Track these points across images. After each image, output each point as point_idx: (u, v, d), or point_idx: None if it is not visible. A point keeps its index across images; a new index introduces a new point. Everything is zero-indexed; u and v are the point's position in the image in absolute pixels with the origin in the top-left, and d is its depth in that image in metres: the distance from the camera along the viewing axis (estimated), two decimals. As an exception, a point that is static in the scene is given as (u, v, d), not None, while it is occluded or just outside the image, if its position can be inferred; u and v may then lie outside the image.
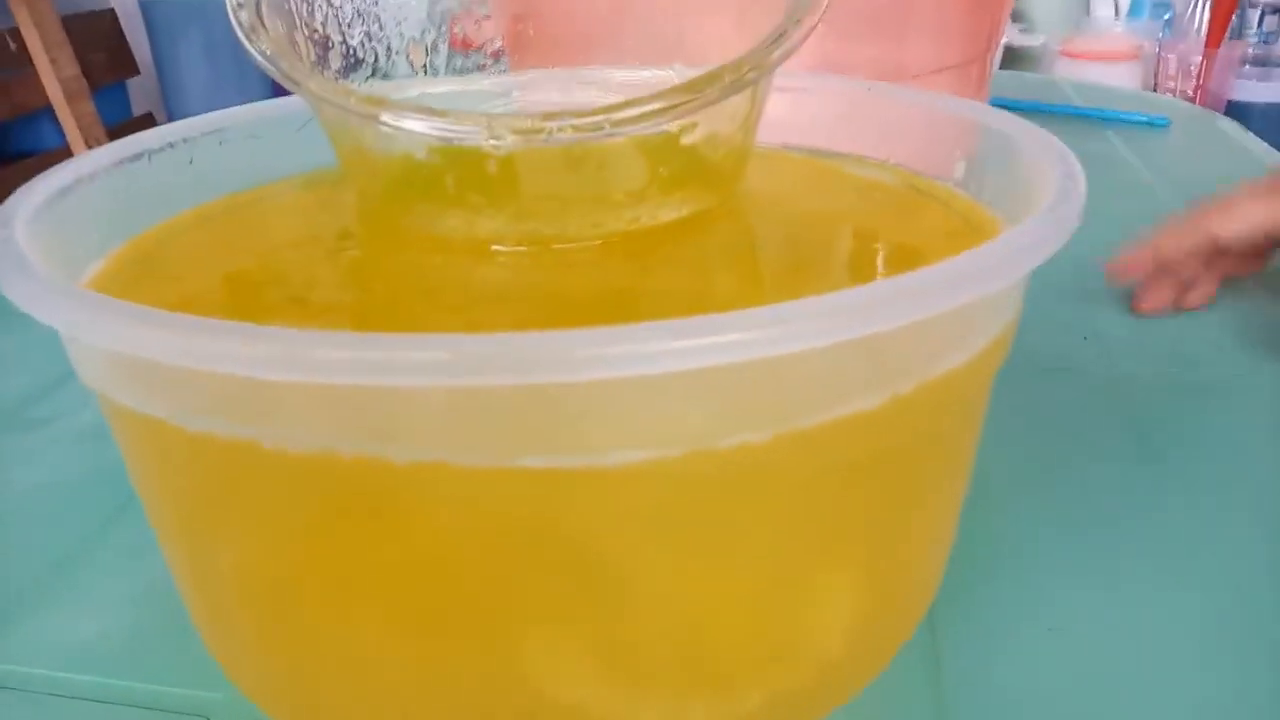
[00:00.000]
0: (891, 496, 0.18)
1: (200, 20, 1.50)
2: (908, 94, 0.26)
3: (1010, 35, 1.33)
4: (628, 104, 0.21)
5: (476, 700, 0.18)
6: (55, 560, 0.28)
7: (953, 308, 0.14)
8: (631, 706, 0.18)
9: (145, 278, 0.22)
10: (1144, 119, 0.63)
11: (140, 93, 1.58)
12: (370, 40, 0.28)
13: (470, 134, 0.19)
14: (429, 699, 0.18)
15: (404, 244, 0.24)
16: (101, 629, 0.26)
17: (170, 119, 1.39)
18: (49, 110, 1.27)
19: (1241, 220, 0.38)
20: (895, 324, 0.14)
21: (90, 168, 0.22)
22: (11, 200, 0.20)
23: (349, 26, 0.26)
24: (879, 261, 0.21)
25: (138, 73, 1.54)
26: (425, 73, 0.29)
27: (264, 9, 0.22)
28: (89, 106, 1.27)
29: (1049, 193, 0.18)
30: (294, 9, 0.23)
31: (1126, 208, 0.51)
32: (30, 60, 1.23)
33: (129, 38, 1.52)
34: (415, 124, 0.19)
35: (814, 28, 0.23)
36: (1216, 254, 0.39)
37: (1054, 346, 0.38)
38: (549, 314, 0.19)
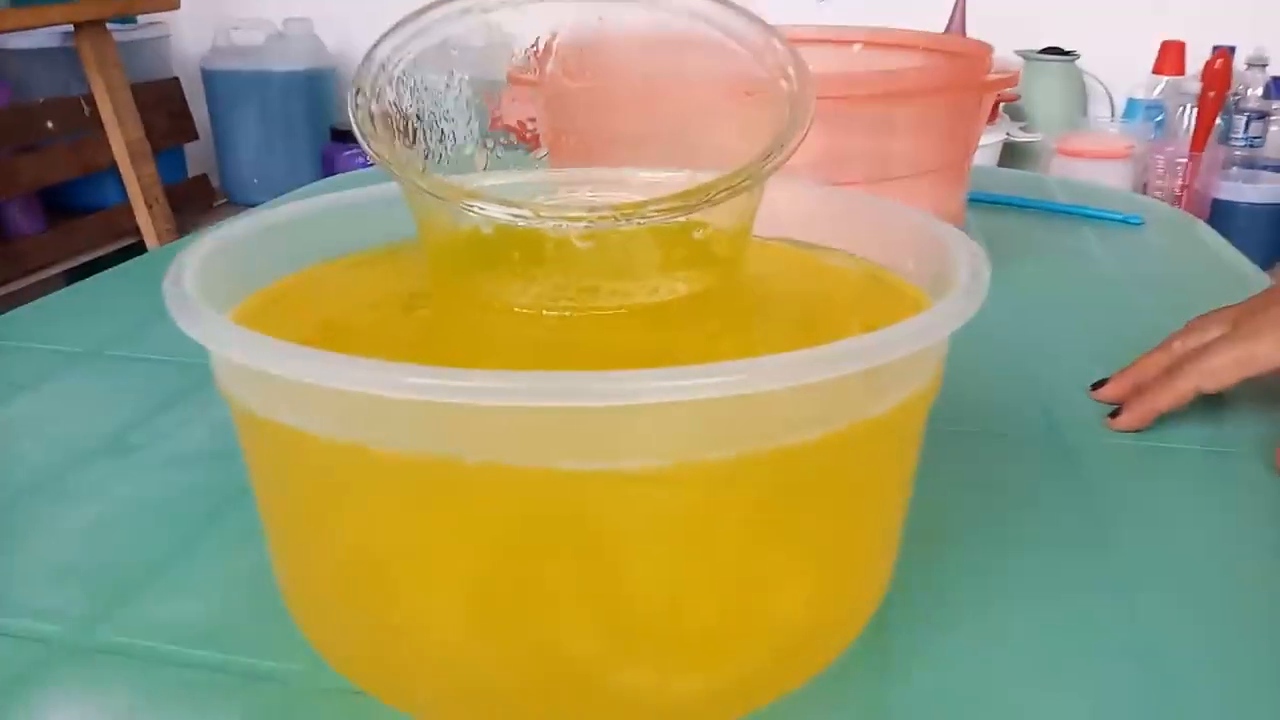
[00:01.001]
0: (835, 508, 0.23)
1: (256, 92, 1.60)
2: (873, 201, 0.32)
3: (1012, 133, 1.40)
4: (651, 201, 0.27)
5: (519, 658, 0.23)
6: (156, 558, 0.34)
7: (878, 365, 0.20)
8: (631, 664, 0.23)
9: (268, 320, 0.28)
10: (1119, 217, 0.70)
11: (195, 156, 1.68)
12: (442, 140, 0.34)
13: (533, 219, 0.26)
14: (482, 658, 0.23)
15: (467, 305, 0.30)
16: (198, 612, 0.31)
17: (224, 181, 1.48)
18: (114, 169, 1.36)
19: (1225, 377, 0.40)
20: (833, 375, 0.20)
21: (231, 234, 0.29)
22: (179, 258, 0.26)
23: (429, 130, 0.33)
24: (834, 329, 0.27)
25: (197, 137, 1.64)
26: (486, 166, 0.35)
27: (376, 118, 0.28)
28: (151, 168, 1.37)
29: (959, 286, 0.23)
30: (393, 118, 0.30)
31: (1090, 298, 0.57)
32: (101, 123, 1.33)
33: (190, 104, 1.63)
34: (496, 210, 0.25)
35: (798, 148, 0.30)
36: None
37: (1013, 417, 0.43)
38: (581, 361, 0.25)
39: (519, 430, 0.20)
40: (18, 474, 0.39)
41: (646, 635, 0.23)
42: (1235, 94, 1.35)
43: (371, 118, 0.28)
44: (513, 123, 0.37)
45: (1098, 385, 0.44)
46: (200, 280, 0.26)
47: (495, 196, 0.26)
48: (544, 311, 0.27)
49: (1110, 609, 0.31)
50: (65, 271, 1.39)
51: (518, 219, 0.25)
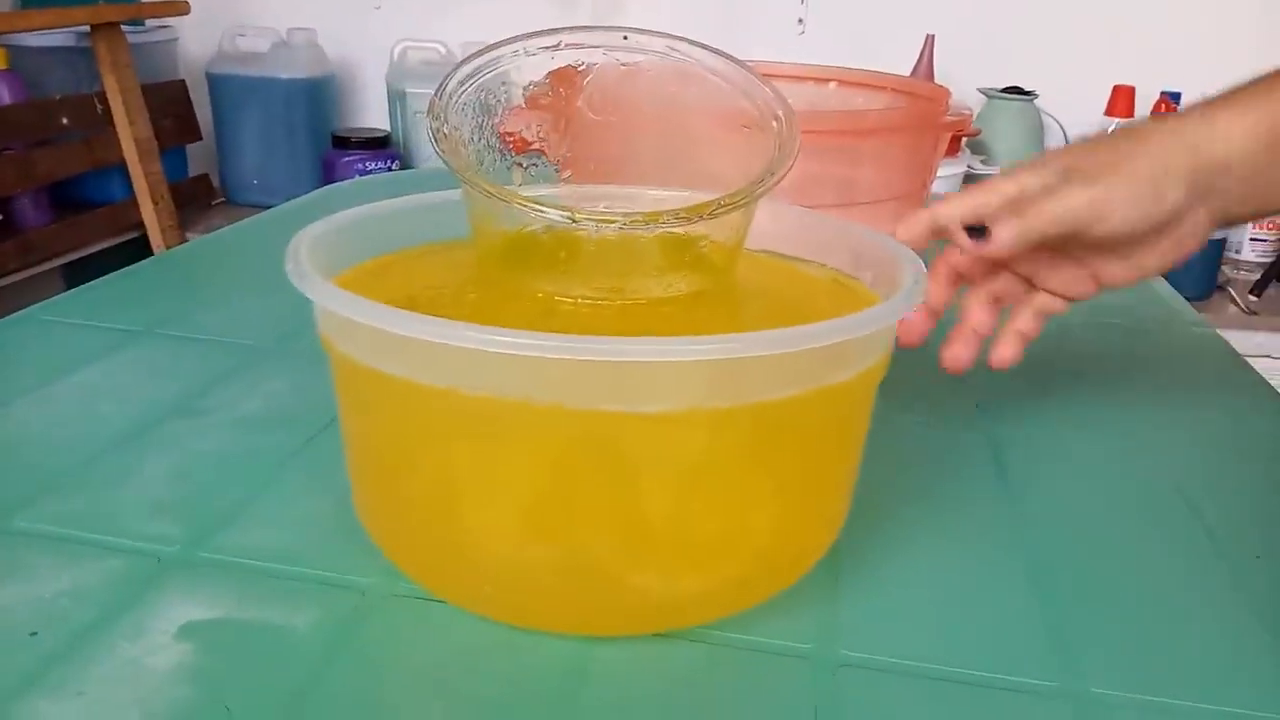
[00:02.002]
0: (805, 451, 0.31)
1: (259, 97, 1.66)
2: (840, 223, 0.40)
3: (972, 165, 1.50)
4: (670, 211, 0.34)
5: (560, 562, 0.30)
6: (237, 498, 0.41)
7: (840, 342, 0.28)
8: (645, 567, 0.30)
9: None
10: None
11: (197, 155, 1.74)
12: (490, 150, 0.41)
13: (578, 221, 0.33)
14: (532, 561, 0.31)
15: (509, 295, 0.37)
16: (280, 539, 0.38)
17: (223, 181, 1.54)
18: (121, 166, 1.42)
19: (1035, 224, 0.39)
20: (807, 348, 0.27)
21: (324, 228, 0.36)
22: (294, 240, 0.33)
23: (478, 145, 0.40)
24: (806, 319, 0.35)
25: (200, 138, 1.70)
26: (521, 183, 0.43)
27: (447, 125, 0.35)
28: (157, 166, 1.42)
29: (904, 288, 0.31)
30: (459, 129, 0.37)
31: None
32: (112, 121, 1.38)
33: (195, 107, 1.68)
34: (551, 213, 0.32)
35: (785, 175, 0.37)
36: (1029, 288, 0.44)
37: (951, 408, 0.51)
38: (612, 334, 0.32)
39: (576, 379, 0.27)
40: (104, 430, 0.46)
41: (658, 545, 0.30)
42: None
43: (444, 136, 0.35)
44: (513, 133, 0.44)
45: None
46: (313, 252, 0.33)
47: (549, 201, 0.33)
48: (579, 300, 0.35)
49: (1012, 549, 0.39)
50: (63, 265, 1.44)
51: (564, 221, 0.33)
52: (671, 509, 0.30)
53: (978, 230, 0.40)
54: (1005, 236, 0.40)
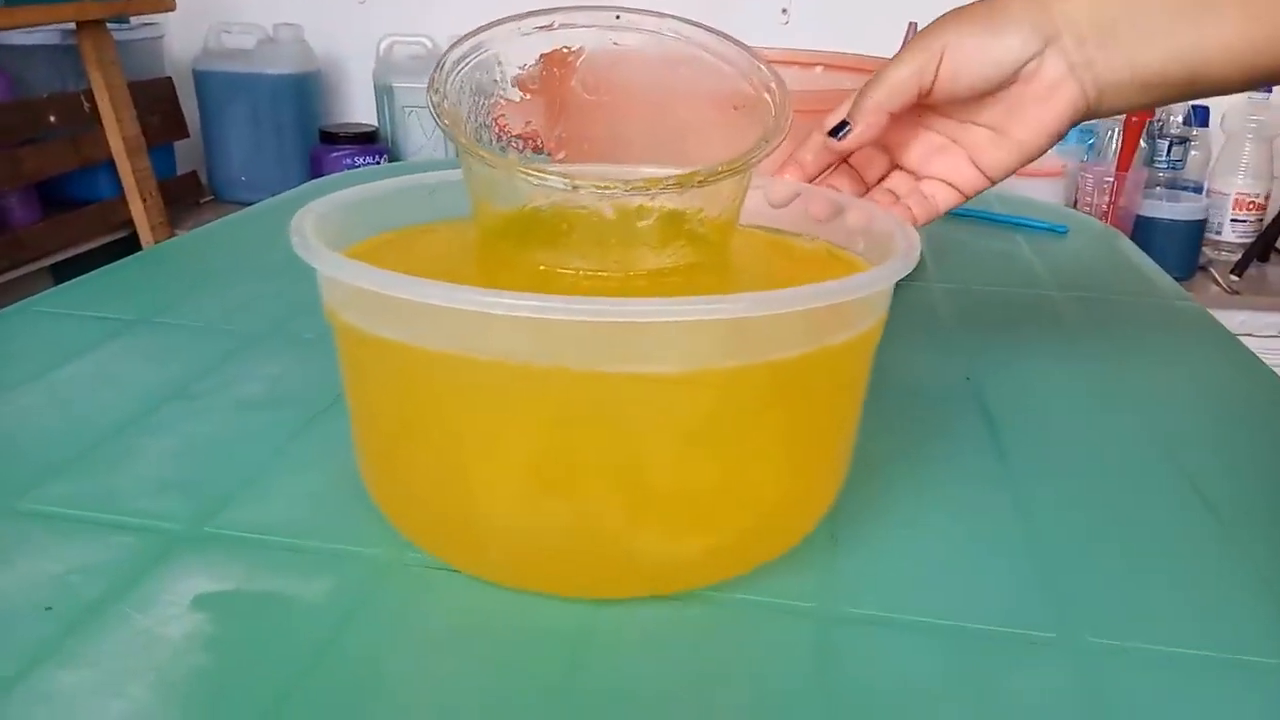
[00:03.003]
0: (806, 411, 0.32)
1: (246, 93, 1.66)
2: (830, 194, 0.40)
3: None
4: (667, 177, 0.34)
5: (567, 526, 0.31)
6: (242, 476, 0.41)
7: (832, 304, 0.28)
8: (650, 528, 0.31)
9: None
10: (1045, 225, 0.79)
11: (184, 153, 1.73)
12: (485, 129, 0.42)
13: (580, 188, 0.33)
14: (539, 526, 0.31)
15: (507, 266, 0.38)
16: (287, 513, 0.38)
17: (211, 178, 1.53)
18: (109, 163, 1.41)
19: (875, 95, 0.39)
20: (808, 307, 0.28)
21: (327, 206, 0.36)
22: (297, 216, 0.34)
23: (474, 124, 0.40)
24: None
25: (188, 135, 1.69)
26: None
27: (447, 100, 0.36)
28: (145, 163, 1.42)
29: (899, 253, 0.32)
30: (457, 105, 0.38)
31: (1018, 294, 0.67)
32: (99, 119, 1.38)
33: (182, 104, 1.68)
34: (554, 180, 0.33)
35: (777, 147, 0.38)
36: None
37: (942, 380, 0.52)
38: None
39: (579, 340, 0.28)
40: (105, 415, 0.46)
41: (664, 507, 0.31)
42: (1159, 121, 1.49)
43: (445, 110, 0.36)
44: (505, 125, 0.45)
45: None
46: (320, 227, 0.33)
47: (550, 169, 0.33)
48: (579, 271, 0.35)
49: (1005, 506, 0.39)
50: (52, 265, 1.43)
51: (565, 188, 0.33)
52: (678, 470, 0.30)
53: (839, 127, 0.41)
54: (854, 118, 0.40)
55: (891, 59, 0.40)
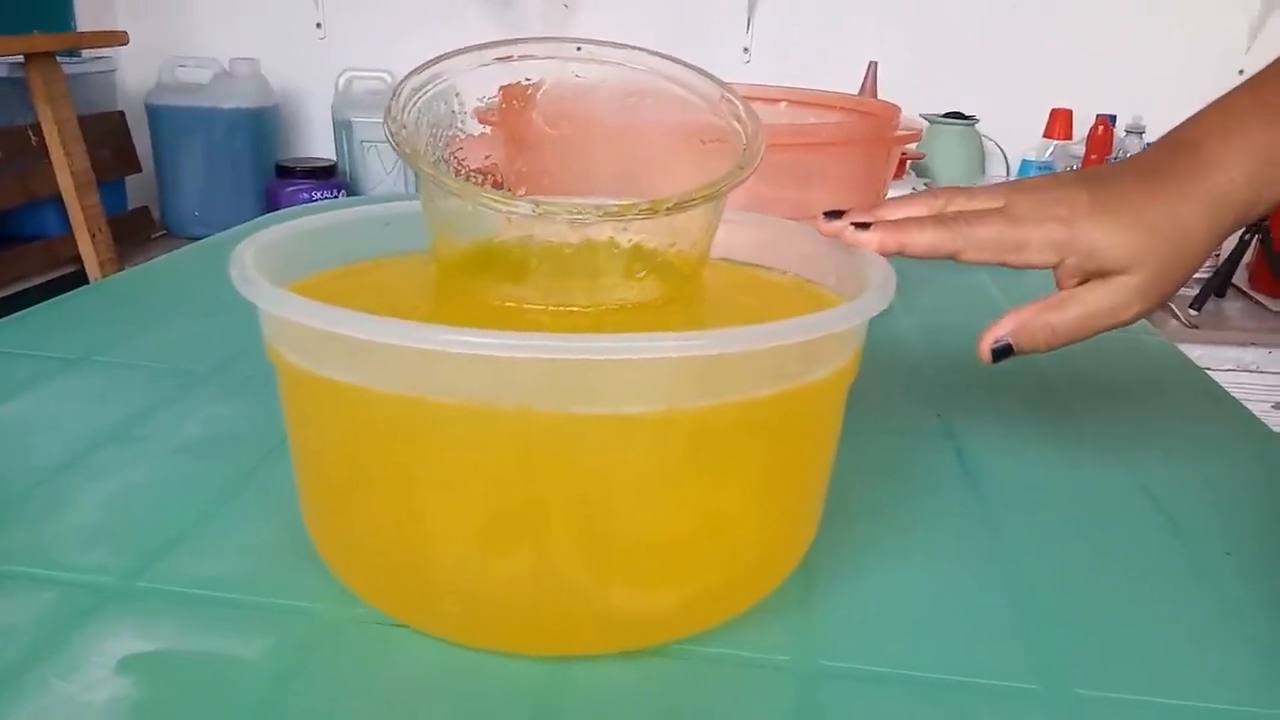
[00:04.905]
0: (778, 452, 0.30)
1: (201, 128, 1.63)
2: (800, 228, 0.39)
3: (916, 188, 1.53)
4: (639, 203, 0.33)
5: (526, 580, 0.29)
6: (179, 526, 0.39)
7: (811, 339, 0.27)
8: (615, 583, 0.29)
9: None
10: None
11: (136, 187, 1.70)
12: (443, 164, 0.40)
13: (545, 211, 0.31)
14: (497, 581, 0.29)
15: (468, 303, 0.36)
16: (226, 566, 0.36)
17: (164, 213, 1.50)
18: (57, 199, 1.38)
19: (988, 253, 0.38)
20: (779, 344, 0.26)
21: (272, 238, 0.34)
22: (239, 248, 0.32)
23: (433, 157, 0.39)
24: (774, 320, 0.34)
25: (139, 170, 1.66)
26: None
27: (406, 129, 0.34)
28: (95, 198, 1.39)
29: (874, 287, 0.31)
30: (419, 137, 0.36)
31: (979, 320, 0.66)
32: (47, 154, 1.34)
33: (135, 138, 1.65)
34: (520, 206, 0.31)
35: (748, 178, 0.36)
36: None
37: (914, 418, 0.51)
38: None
39: (544, 380, 0.26)
40: (38, 460, 0.44)
41: (632, 556, 0.29)
42: (1115, 157, 1.51)
43: (404, 139, 0.34)
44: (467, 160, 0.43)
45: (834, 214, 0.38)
46: (259, 261, 0.31)
47: (516, 197, 0.32)
48: (545, 306, 0.34)
49: (983, 553, 0.38)
50: (-3, 300, 1.39)
51: (534, 212, 0.31)
52: (648, 516, 0.29)
53: (1003, 350, 0.41)
54: (1025, 342, 0.41)
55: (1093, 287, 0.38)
